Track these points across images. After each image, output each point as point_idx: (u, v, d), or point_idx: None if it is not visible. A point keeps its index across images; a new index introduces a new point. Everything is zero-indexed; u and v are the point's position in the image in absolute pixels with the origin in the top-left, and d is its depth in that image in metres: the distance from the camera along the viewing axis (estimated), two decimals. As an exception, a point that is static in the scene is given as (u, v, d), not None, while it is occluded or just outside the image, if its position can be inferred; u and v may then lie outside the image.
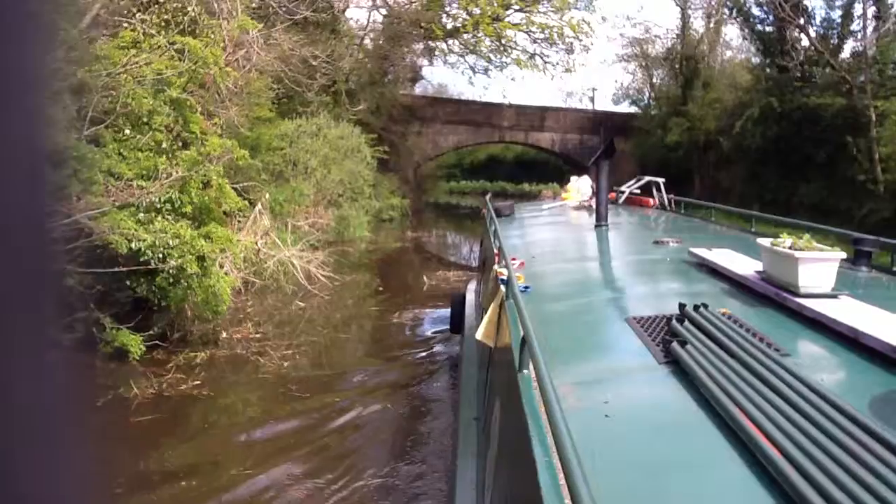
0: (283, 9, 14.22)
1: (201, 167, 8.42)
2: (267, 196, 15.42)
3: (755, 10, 21.28)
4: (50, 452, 0.41)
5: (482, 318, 4.09)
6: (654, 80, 32.02)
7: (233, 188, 14.95)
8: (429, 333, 10.09)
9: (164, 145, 8.40)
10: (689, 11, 27.97)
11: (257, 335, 8.93)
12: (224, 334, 8.61)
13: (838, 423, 1.70)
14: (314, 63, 15.80)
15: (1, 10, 0.39)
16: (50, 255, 0.43)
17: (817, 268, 3.09)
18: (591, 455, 1.58)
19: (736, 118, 21.75)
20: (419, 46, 30.20)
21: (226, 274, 11.33)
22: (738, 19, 22.54)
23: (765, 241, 3.50)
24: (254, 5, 14.09)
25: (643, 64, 31.77)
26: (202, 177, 8.29)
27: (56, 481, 0.41)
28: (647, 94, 32.46)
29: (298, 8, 14.29)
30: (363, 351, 9.69)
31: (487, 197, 9.61)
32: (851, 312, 2.78)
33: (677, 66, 28.27)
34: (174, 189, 8.19)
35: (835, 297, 3.05)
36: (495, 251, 4.77)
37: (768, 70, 21.32)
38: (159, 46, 8.30)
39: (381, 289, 13.70)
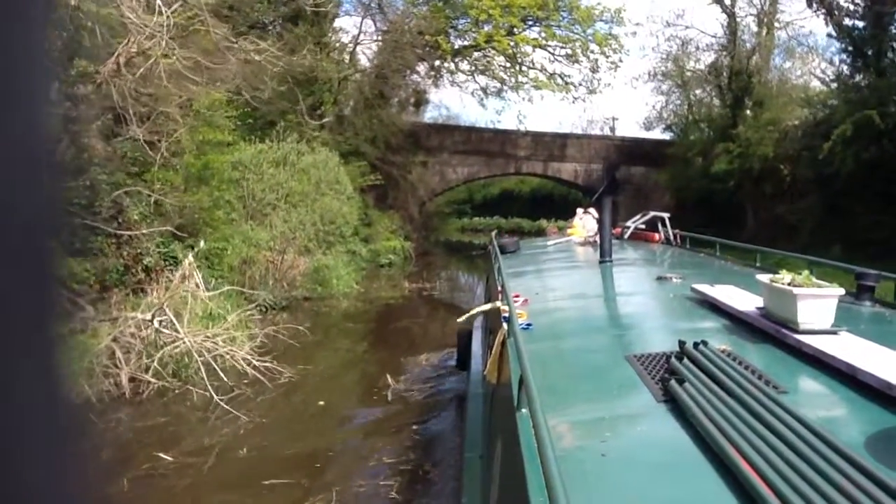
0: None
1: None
2: (202, 244, 11.34)
3: (842, 1, 17.09)
4: (50, 451, 0.42)
5: (487, 355, 4.31)
6: (692, 100, 27.79)
7: (172, 233, 10.96)
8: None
9: None
10: (739, 18, 23.84)
11: None
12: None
13: (833, 463, 1.67)
14: (268, 64, 11.89)
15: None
16: (50, 255, 0.44)
17: (816, 304, 2.99)
18: (588, 496, 1.62)
19: (811, 139, 17.49)
20: (423, 66, 26.47)
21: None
22: (819, 13, 18.43)
23: (764, 278, 3.40)
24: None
25: (681, 82, 27.58)
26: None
27: (56, 480, 0.42)
28: (687, 116, 28.20)
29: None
30: None
31: (493, 234, 9.49)
32: (850, 349, 2.70)
33: (724, 83, 24.11)
34: None
35: (834, 333, 2.96)
36: (498, 288, 4.50)
37: (859, 76, 17.04)
38: None
39: (324, 404, 8.17)
